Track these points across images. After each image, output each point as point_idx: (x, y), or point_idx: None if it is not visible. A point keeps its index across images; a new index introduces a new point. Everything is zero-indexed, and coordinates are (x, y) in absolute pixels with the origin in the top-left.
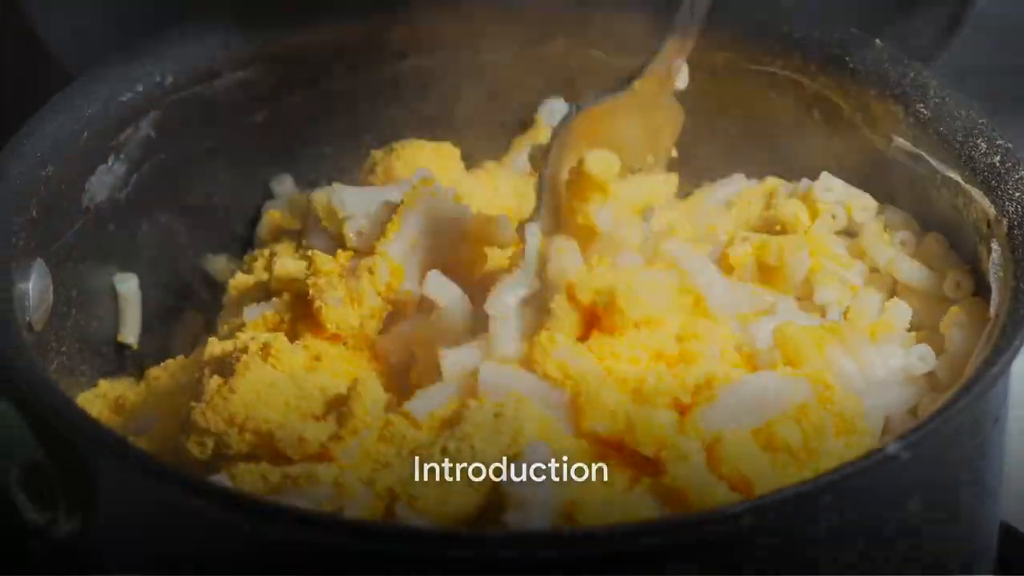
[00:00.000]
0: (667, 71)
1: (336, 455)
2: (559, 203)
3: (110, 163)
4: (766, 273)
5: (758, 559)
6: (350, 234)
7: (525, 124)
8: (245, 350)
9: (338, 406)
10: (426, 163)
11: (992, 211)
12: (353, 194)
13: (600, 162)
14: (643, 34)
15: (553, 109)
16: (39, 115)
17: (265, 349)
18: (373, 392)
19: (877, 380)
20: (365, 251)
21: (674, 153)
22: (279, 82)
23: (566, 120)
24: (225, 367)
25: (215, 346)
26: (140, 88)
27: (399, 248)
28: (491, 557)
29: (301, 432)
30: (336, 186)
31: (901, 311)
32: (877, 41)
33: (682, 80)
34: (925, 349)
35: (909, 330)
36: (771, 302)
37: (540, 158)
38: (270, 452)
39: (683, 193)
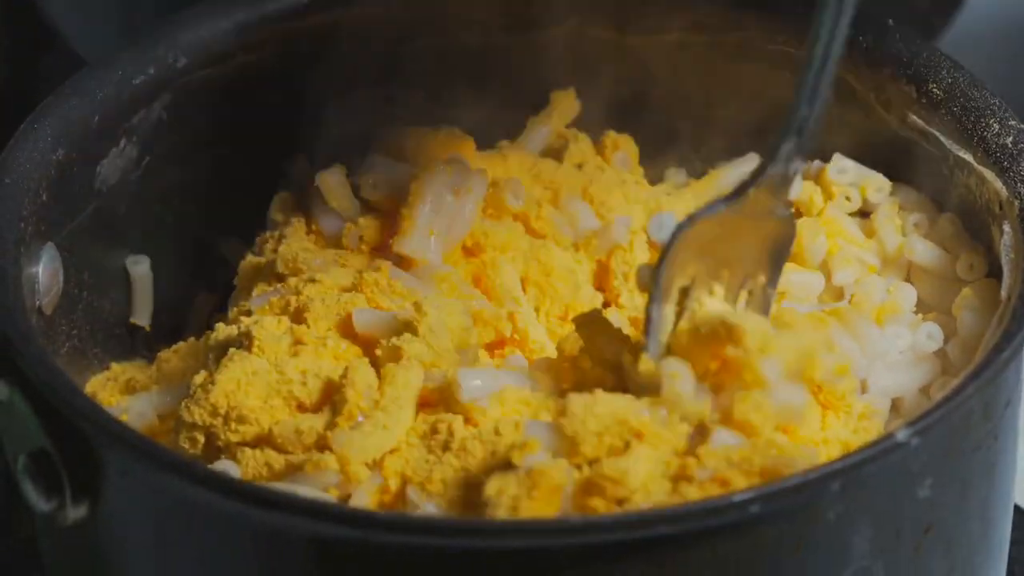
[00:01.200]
0: (783, 177)
1: (334, 444)
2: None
3: (122, 146)
4: None
5: (767, 546)
6: (368, 192)
7: (539, 104)
8: (247, 335)
9: (331, 393)
10: (438, 147)
11: (1004, 192)
12: (384, 162)
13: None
14: (659, 13)
15: (663, 223)
16: (51, 99)
17: (248, 337)
18: (365, 376)
19: (883, 360)
20: (382, 208)
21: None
22: (291, 63)
23: (678, 232)
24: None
25: (220, 332)
26: (152, 71)
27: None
28: (498, 546)
29: (298, 424)
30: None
31: (906, 293)
32: (890, 21)
33: (796, 189)
34: (933, 327)
35: (922, 312)
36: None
37: (649, 277)
38: (266, 441)
39: (697, 174)
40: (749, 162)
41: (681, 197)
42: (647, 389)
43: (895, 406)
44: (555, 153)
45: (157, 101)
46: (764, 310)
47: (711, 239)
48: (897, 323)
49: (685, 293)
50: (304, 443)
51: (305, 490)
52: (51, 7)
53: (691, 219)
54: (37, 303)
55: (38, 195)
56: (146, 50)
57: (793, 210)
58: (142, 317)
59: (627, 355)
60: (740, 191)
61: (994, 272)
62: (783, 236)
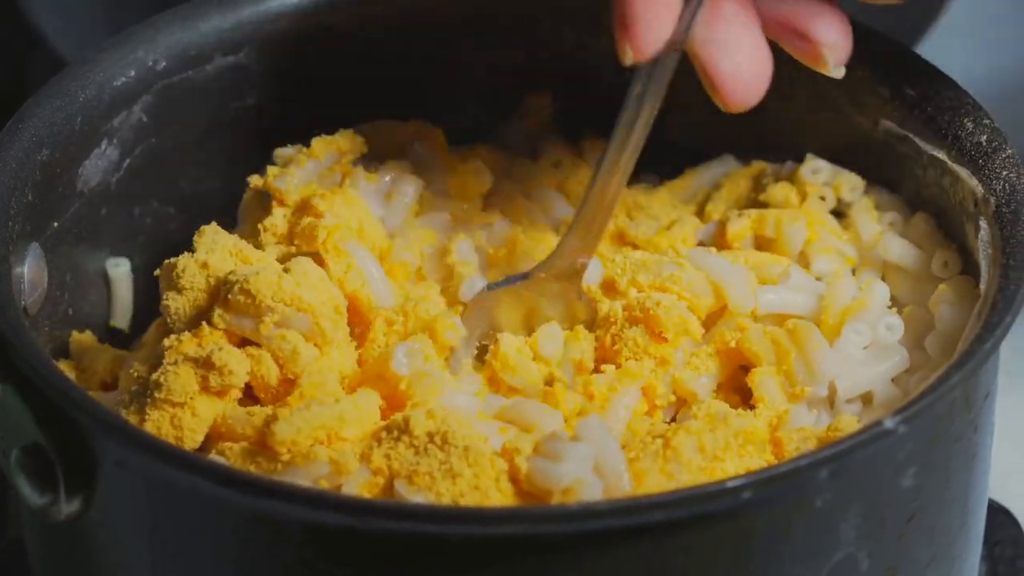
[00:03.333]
0: (571, 268)
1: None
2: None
3: (103, 147)
4: (763, 246)
5: (757, 532)
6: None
7: (514, 107)
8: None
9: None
10: (407, 139)
11: (980, 190)
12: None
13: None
14: None
15: (473, 285)
16: (34, 99)
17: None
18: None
19: (848, 358)
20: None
21: None
22: (269, 66)
23: (479, 296)
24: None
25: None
26: (133, 73)
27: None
28: (494, 532)
29: (249, 409)
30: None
31: (878, 291)
32: (862, 21)
33: (594, 276)
34: (892, 319)
35: (896, 308)
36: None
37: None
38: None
39: (669, 176)
40: (723, 163)
41: (656, 196)
42: None
43: (866, 400)
44: (531, 155)
45: (137, 103)
46: None
47: (515, 307)
48: (862, 320)
49: (485, 350)
50: (254, 424)
51: (297, 481)
52: (35, 11)
53: (490, 287)
54: (23, 303)
55: (24, 195)
56: (126, 52)
57: (590, 296)
58: (121, 320)
59: None
60: (529, 274)
61: (968, 269)
62: (584, 315)
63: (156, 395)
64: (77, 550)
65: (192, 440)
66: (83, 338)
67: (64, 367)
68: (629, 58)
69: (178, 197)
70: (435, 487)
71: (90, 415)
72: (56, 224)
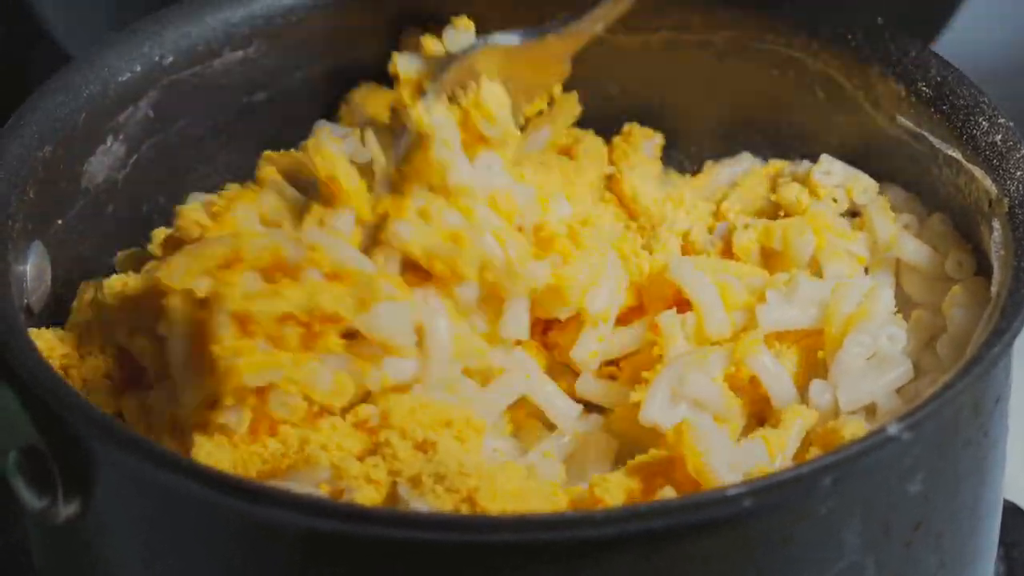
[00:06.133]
0: (587, 34)
1: None
2: None
3: (109, 143)
4: (771, 258)
5: (758, 540)
6: None
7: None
8: None
9: None
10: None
11: (994, 190)
12: None
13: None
14: (646, 12)
15: (459, 37)
16: (37, 95)
17: None
18: None
19: (849, 370)
20: None
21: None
22: (278, 61)
23: (470, 51)
24: None
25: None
26: (139, 68)
27: None
28: (490, 540)
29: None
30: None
31: (882, 297)
32: (879, 19)
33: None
34: (893, 329)
35: (910, 309)
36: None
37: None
38: None
39: (687, 172)
40: (742, 161)
41: (680, 199)
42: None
43: (870, 412)
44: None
45: (144, 99)
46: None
47: (495, 66)
48: (864, 331)
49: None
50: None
51: (296, 486)
52: (41, 5)
53: (485, 41)
54: (25, 301)
55: (25, 192)
56: (132, 47)
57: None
58: None
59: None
60: (540, 33)
61: (983, 270)
62: (554, 76)
63: None
64: (76, 552)
65: None
66: None
67: None
68: None
69: (186, 194)
70: (438, 492)
71: (84, 417)
72: (60, 221)
